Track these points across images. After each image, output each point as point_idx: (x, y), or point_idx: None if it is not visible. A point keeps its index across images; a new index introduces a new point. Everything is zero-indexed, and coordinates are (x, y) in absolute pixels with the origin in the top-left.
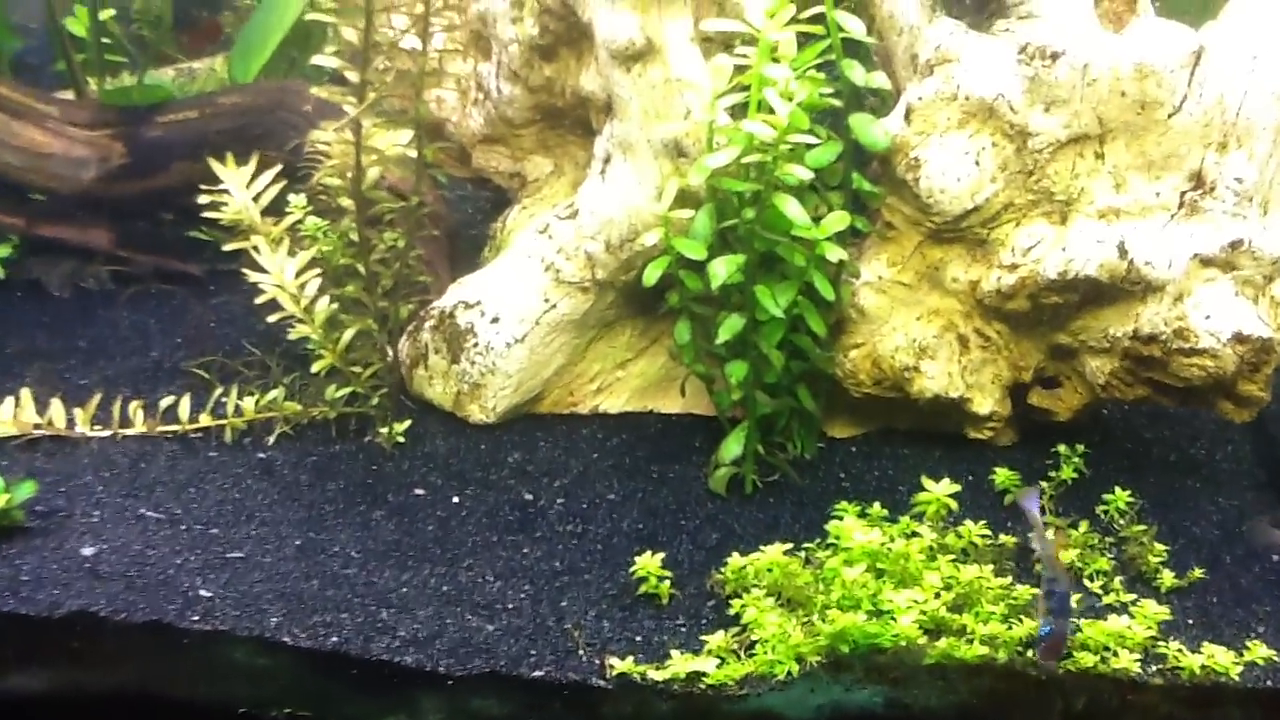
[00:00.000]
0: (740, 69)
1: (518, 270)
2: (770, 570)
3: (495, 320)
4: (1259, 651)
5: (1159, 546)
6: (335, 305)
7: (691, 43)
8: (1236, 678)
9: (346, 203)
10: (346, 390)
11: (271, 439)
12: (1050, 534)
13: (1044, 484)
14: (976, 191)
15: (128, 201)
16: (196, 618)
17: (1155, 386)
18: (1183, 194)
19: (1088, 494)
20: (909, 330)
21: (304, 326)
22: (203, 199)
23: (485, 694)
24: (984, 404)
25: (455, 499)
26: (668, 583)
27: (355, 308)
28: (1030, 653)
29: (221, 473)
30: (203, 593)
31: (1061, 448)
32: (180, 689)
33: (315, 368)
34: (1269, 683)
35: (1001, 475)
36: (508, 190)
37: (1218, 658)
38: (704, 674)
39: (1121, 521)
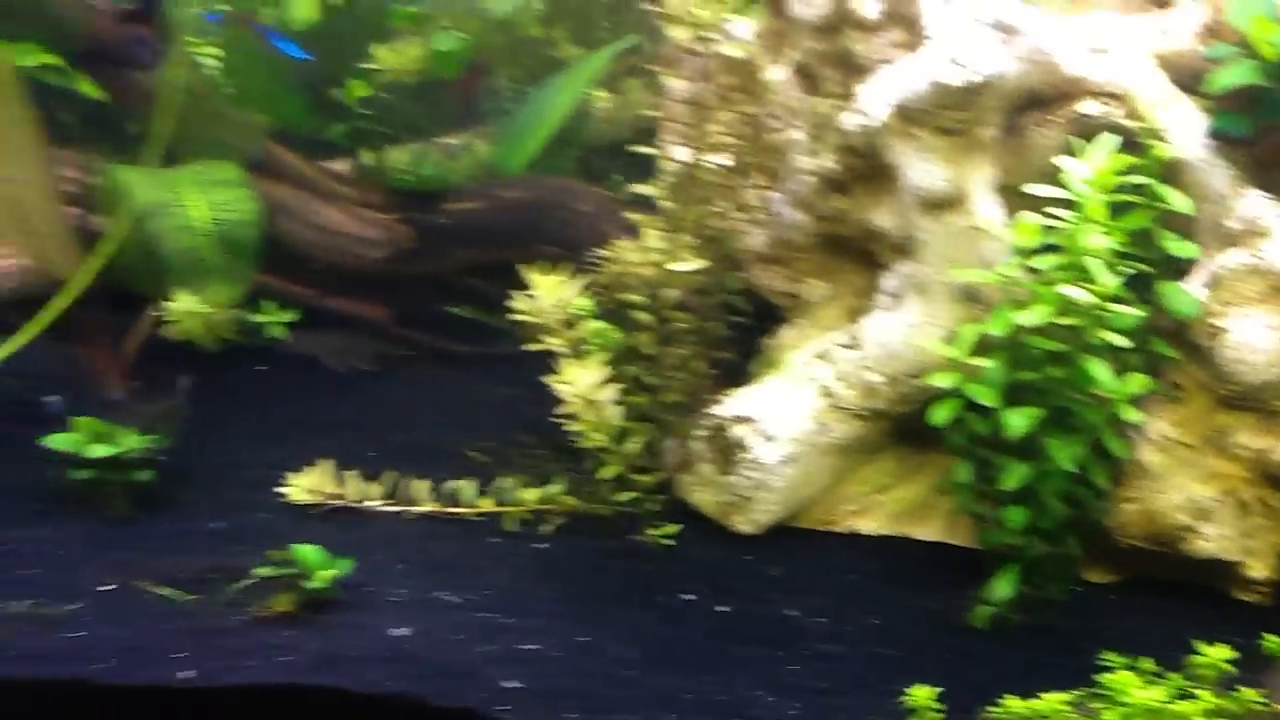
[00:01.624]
0: (1049, 228)
1: (794, 391)
2: (1046, 716)
3: (768, 438)
4: None
5: None
6: (624, 415)
7: (993, 193)
8: None
9: (642, 316)
10: (630, 495)
11: (548, 531)
12: None
13: None
14: (1277, 364)
15: (409, 283)
16: (507, 708)
17: None
18: None
19: None
20: (1188, 490)
21: (596, 434)
22: (491, 288)
23: None
24: (1258, 569)
25: (721, 607)
26: (938, 715)
27: (640, 416)
28: None
29: (505, 560)
30: (506, 684)
31: None
32: None
33: (602, 474)
34: None
35: (1271, 641)
36: (779, 307)
37: None
38: None
39: None
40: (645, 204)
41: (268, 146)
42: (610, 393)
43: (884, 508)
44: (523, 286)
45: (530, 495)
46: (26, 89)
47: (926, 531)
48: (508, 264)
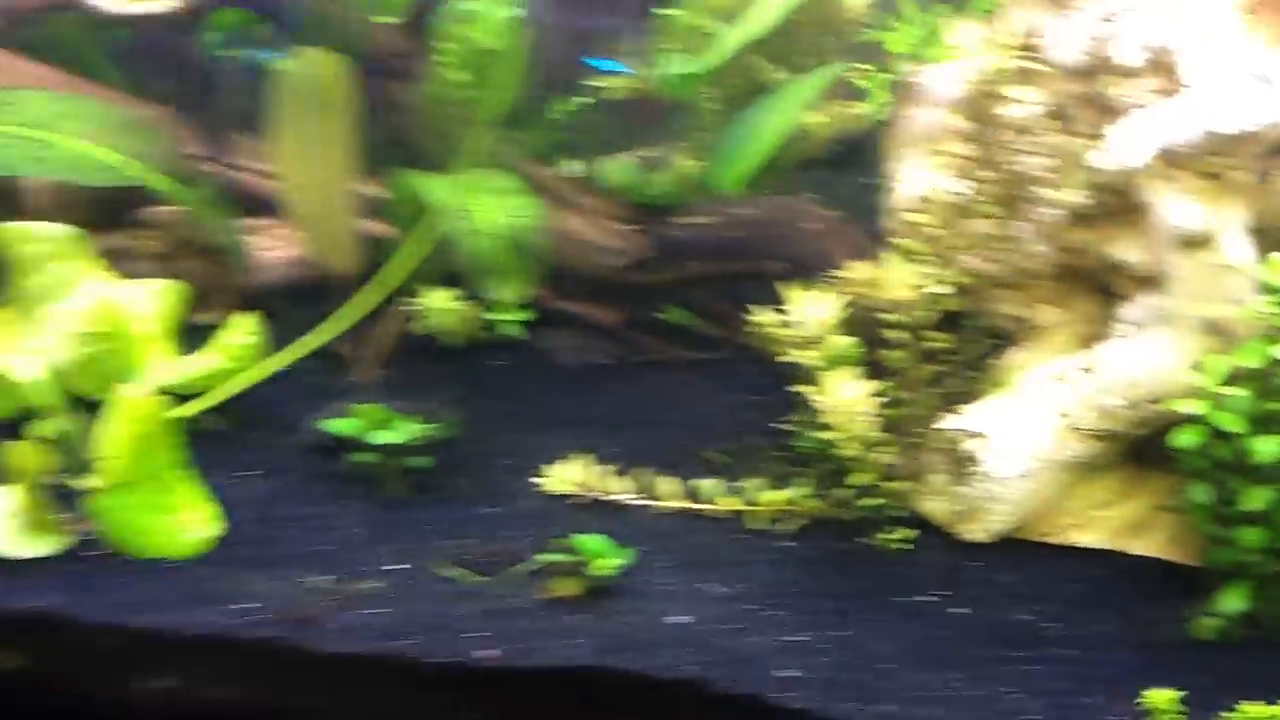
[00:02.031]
0: None
1: (1026, 410)
2: None
3: (1002, 453)
4: None
5: None
6: (875, 427)
7: (1244, 234)
8: None
9: (897, 334)
10: (876, 502)
11: (790, 530)
12: None
13: None
14: None
15: (642, 290)
16: (791, 694)
17: None
18: None
19: None
20: None
21: (849, 444)
22: (717, 299)
23: None
24: None
25: (957, 610)
26: (1179, 717)
27: (889, 428)
28: None
29: (754, 557)
30: (784, 673)
31: None
32: None
33: (853, 481)
34: None
35: None
36: (1010, 331)
37: None
38: None
39: None
40: (866, 225)
41: (522, 159)
42: (870, 405)
43: (1103, 523)
44: (754, 300)
45: (771, 496)
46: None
47: (1144, 547)
48: (737, 278)
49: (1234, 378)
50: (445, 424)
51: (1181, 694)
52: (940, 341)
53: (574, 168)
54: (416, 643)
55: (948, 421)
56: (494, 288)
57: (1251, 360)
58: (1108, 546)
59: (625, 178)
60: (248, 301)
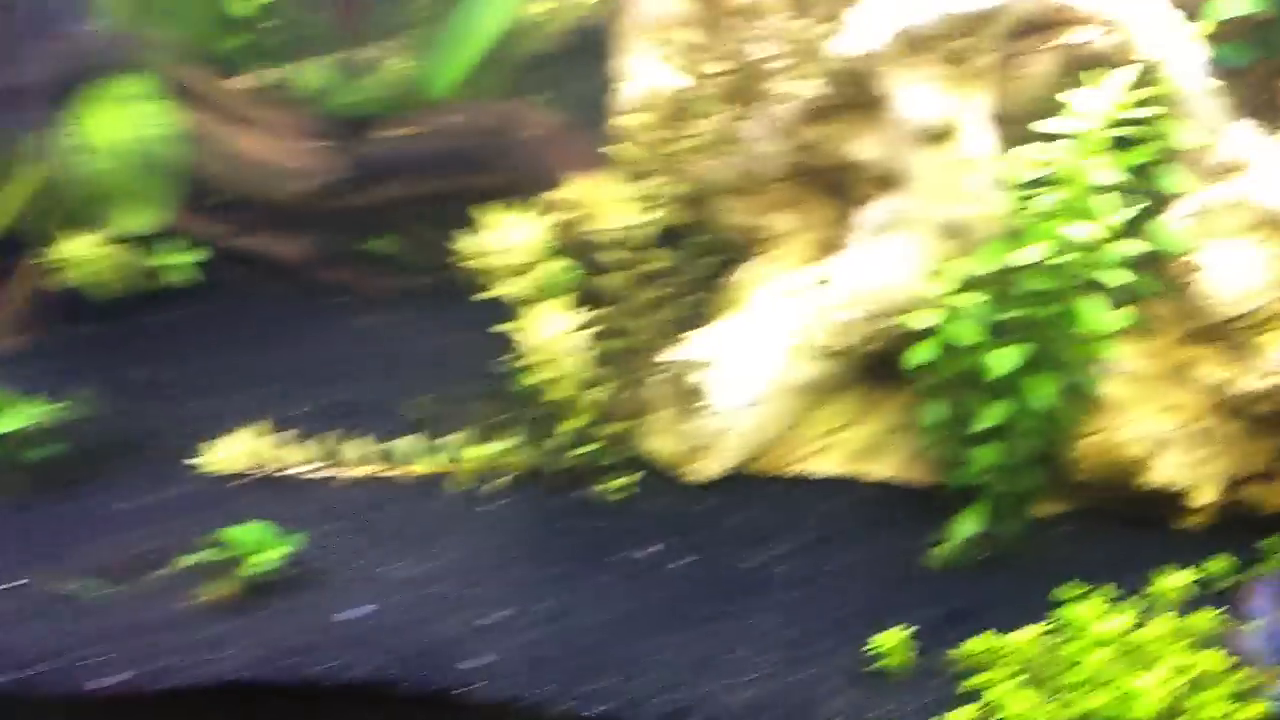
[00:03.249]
0: (1048, 162)
1: (756, 331)
2: (1012, 652)
3: (728, 381)
4: None
5: None
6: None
7: (986, 124)
8: None
9: (612, 255)
10: (591, 447)
11: (496, 489)
12: None
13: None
14: (1250, 298)
15: (337, 218)
16: (484, 684)
17: None
18: None
19: None
20: (1147, 423)
21: (559, 385)
22: (430, 224)
23: None
24: (1203, 497)
25: (682, 561)
26: (907, 657)
27: (606, 363)
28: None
29: (454, 525)
30: (475, 661)
31: (1269, 540)
32: None
33: (564, 427)
34: None
35: (1217, 563)
36: (740, 243)
37: None
38: None
39: None
40: (597, 129)
41: (173, 63)
42: (579, 340)
43: (841, 448)
44: (468, 223)
45: (476, 452)
46: None
47: (880, 470)
48: (449, 197)
49: (969, 285)
50: (80, 401)
51: (911, 632)
52: (662, 261)
53: (265, 75)
54: (18, 677)
55: (671, 352)
56: (119, 218)
57: (988, 264)
58: (846, 473)
59: (321, 85)
60: None
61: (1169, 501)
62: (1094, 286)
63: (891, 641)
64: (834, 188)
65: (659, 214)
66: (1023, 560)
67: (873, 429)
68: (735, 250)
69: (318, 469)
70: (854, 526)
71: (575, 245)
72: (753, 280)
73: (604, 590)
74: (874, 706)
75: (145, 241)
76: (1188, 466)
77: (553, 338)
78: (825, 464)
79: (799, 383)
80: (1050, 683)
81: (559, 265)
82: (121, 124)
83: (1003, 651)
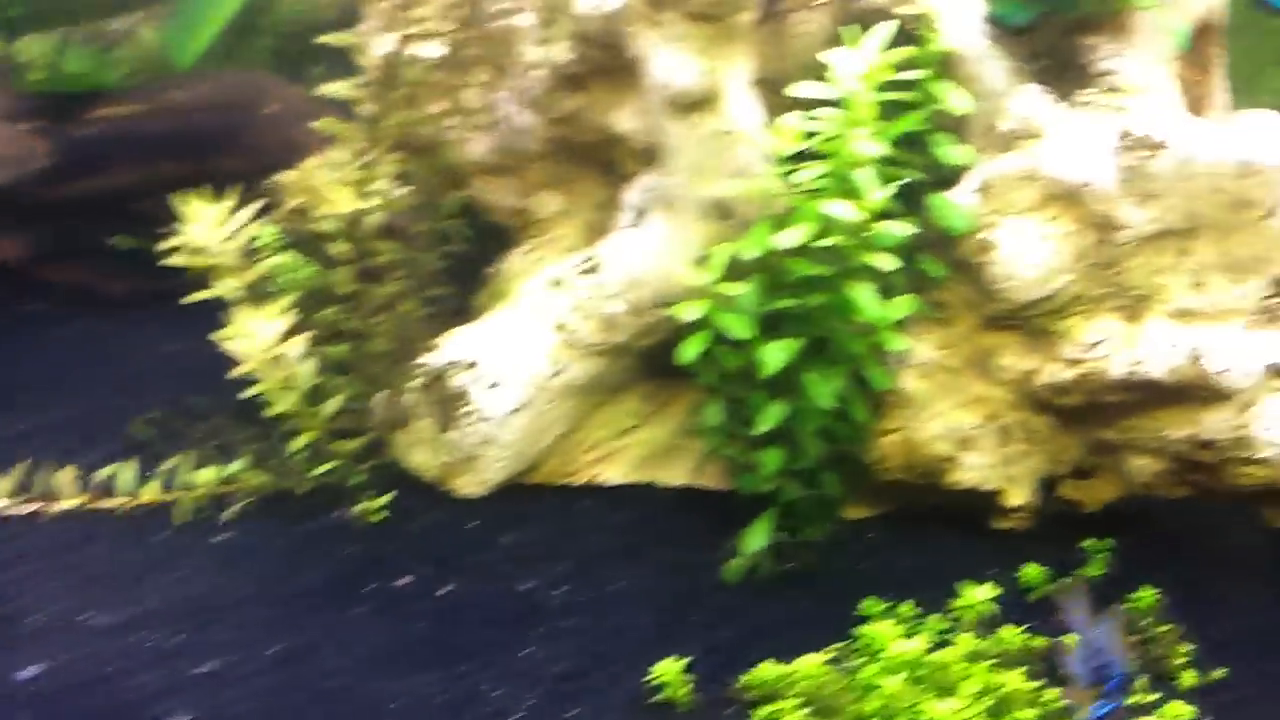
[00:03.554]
0: (813, 132)
1: (522, 327)
2: (802, 680)
3: (494, 385)
4: None
5: (1183, 647)
6: (319, 370)
7: (750, 91)
8: None
9: (337, 248)
10: (328, 465)
11: (231, 517)
12: (1109, 619)
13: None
14: (1049, 280)
15: (49, 209)
16: None
17: (1198, 488)
18: (1264, 299)
19: (1114, 590)
20: (950, 418)
21: (282, 396)
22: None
23: None
24: (1017, 497)
25: (445, 589)
26: (688, 689)
27: (338, 369)
28: None
29: (177, 561)
30: None
31: (1089, 542)
32: None
33: (295, 445)
34: None
35: (1030, 571)
36: (507, 227)
37: None
38: None
39: (1146, 621)
40: (343, 107)
41: None
42: (297, 345)
43: (628, 452)
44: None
45: (206, 476)
46: None
47: (673, 475)
48: (182, 182)
49: (737, 272)
50: None
51: (690, 660)
52: (392, 253)
53: None
54: None
55: (427, 354)
56: None
57: (755, 250)
58: (634, 480)
59: (42, 60)
60: None
61: (982, 502)
62: (866, 271)
63: (671, 672)
64: (601, 164)
65: (396, 197)
66: (826, 572)
67: (663, 432)
68: (501, 236)
69: (17, 504)
70: (642, 540)
71: (304, 236)
72: (520, 269)
73: (351, 629)
74: None
75: None
76: (997, 465)
77: (266, 344)
78: (613, 471)
79: (572, 383)
80: (842, 713)
81: (285, 260)
82: None
83: (793, 678)
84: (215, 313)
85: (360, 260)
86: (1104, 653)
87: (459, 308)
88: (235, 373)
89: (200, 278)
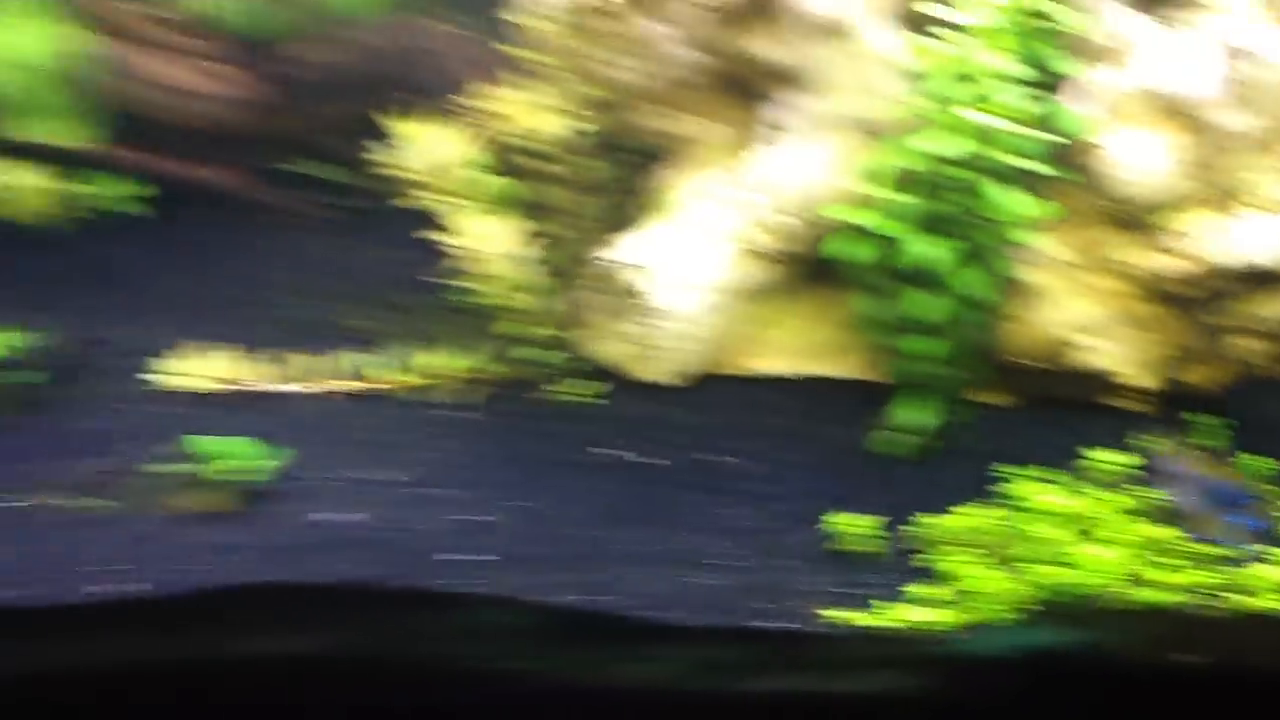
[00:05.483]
0: (947, 52)
1: (693, 235)
2: (967, 528)
3: (673, 284)
4: None
5: None
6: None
7: (892, 18)
8: None
9: (535, 165)
10: (554, 355)
11: (470, 399)
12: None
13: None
14: (1156, 181)
15: (259, 140)
16: (464, 579)
17: None
18: None
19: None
20: (1072, 307)
21: (505, 293)
22: (350, 143)
23: (719, 644)
24: (1134, 378)
25: (649, 460)
26: (866, 539)
27: (554, 272)
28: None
29: (428, 433)
30: (458, 556)
31: (1205, 418)
32: (440, 649)
33: (523, 334)
34: None
35: (1154, 442)
36: (660, 150)
37: None
38: (911, 620)
39: (1265, 487)
40: (499, 42)
41: None
42: (515, 246)
43: (794, 349)
44: (385, 139)
45: (441, 363)
46: None
47: (837, 369)
48: (366, 117)
49: (888, 179)
50: (45, 330)
51: (859, 516)
52: (596, 169)
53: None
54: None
55: (602, 255)
56: (24, 128)
57: (909, 160)
58: (802, 372)
59: (231, 8)
60: None
61: (1103, 384)
62: (1005, 174)
63: (859, 524)
64: (754, 91)
65: (588, 121)
66: (967, 446)
67: (830, 330)
68: (655, 156)
69: (287, 385)
70: (812, 422)
71: (501, 154)
72: (678, 185)
73: (576, 489)
74: (835, 584)
75: (74, 170)
76: (1117, 349)
77: (493, 245)
78: (781, 364)
79: (740, 286)
80: (1005, 557)
81: (487, 175)
82: (22, 37)
83: (951, 529)
84: (405, 228)
85: (562, 174)
86: (1225, 488)
87: (626, 218)
88: (460, 274)
89: (391, 195)
